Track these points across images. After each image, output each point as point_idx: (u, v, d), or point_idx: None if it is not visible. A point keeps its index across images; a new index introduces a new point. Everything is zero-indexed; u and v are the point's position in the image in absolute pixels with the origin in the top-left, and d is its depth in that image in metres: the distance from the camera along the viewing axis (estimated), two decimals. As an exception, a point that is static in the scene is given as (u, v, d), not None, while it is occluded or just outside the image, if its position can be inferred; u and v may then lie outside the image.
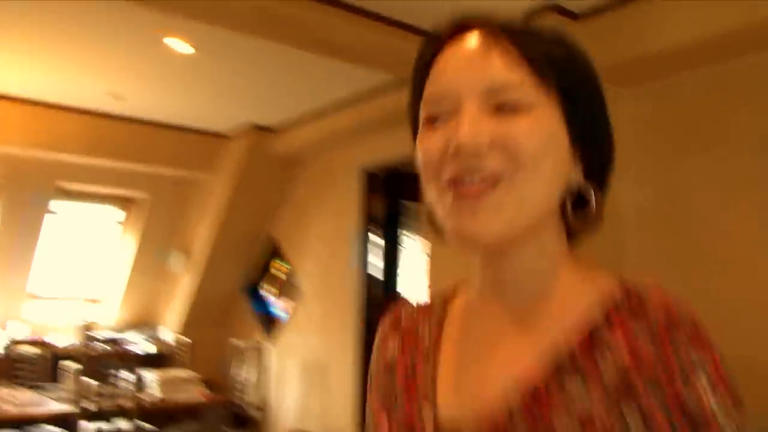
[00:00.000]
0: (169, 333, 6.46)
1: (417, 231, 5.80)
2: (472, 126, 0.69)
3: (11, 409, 3.97)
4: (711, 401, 0.64)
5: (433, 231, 0.81)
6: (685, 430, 0.64)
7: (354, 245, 5.28)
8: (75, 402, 3.88)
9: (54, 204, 6.12)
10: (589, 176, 0.76)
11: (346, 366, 5.18)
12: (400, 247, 5.49)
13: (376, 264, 5.26)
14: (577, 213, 0.76)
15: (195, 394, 4.82)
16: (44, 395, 4.47)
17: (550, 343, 0.72)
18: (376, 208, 5.25)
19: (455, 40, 0.75)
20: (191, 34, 3.86)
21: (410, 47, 3.90)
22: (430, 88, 0.75)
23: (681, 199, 3.43)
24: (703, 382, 0.65)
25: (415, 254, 5.74)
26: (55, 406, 4.19)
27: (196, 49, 4.04)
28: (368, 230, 5.27)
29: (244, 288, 6.58)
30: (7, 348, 5.17)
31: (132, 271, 6.62)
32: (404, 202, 5.44)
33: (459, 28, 0.76)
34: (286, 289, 6.13)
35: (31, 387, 4.74)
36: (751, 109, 3.19)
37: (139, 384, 4.48)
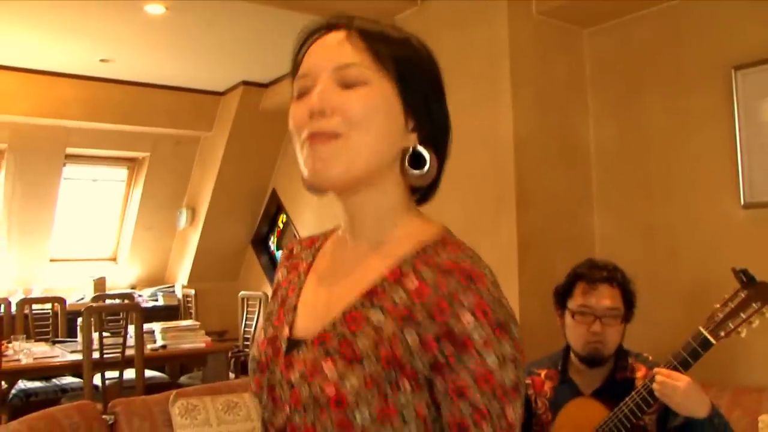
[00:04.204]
0: (179, 287, 6.74)
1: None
2: (320, 95, 0.91)
3: (27, 361, 4.25)
4: (470, 328, 0.84)
5: None
6: (447, 345, 0.85)
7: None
8: (86, 354, 4.12)
9: (67, 170, 6.37)
10: (425, 143, 0.97)
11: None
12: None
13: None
14: (416, 172, 0.97)
15: (198, 343, 5.02)
16: (58, 348, 4.75)
17: (377, 274, 0.93)
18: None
19: (322, 35, 0.97)
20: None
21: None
22: (300, 70, 0.97)
23: (639, 134, 3.47)
24: (467, 317, 0.85)
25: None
26: (67, 358, 4.46)
27: (167, 9, 4.19)
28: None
29: (253, 241, 6.79)
30: (23, 305, 5.47)
31: (140, 229, 6.87)
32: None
33: (327, 26, 0.98)
34: (286, 240, 6.33)
35: (46, 341, 5.03)
36: (702, 47, 3.21)
37: (147, 336, 4.72)
